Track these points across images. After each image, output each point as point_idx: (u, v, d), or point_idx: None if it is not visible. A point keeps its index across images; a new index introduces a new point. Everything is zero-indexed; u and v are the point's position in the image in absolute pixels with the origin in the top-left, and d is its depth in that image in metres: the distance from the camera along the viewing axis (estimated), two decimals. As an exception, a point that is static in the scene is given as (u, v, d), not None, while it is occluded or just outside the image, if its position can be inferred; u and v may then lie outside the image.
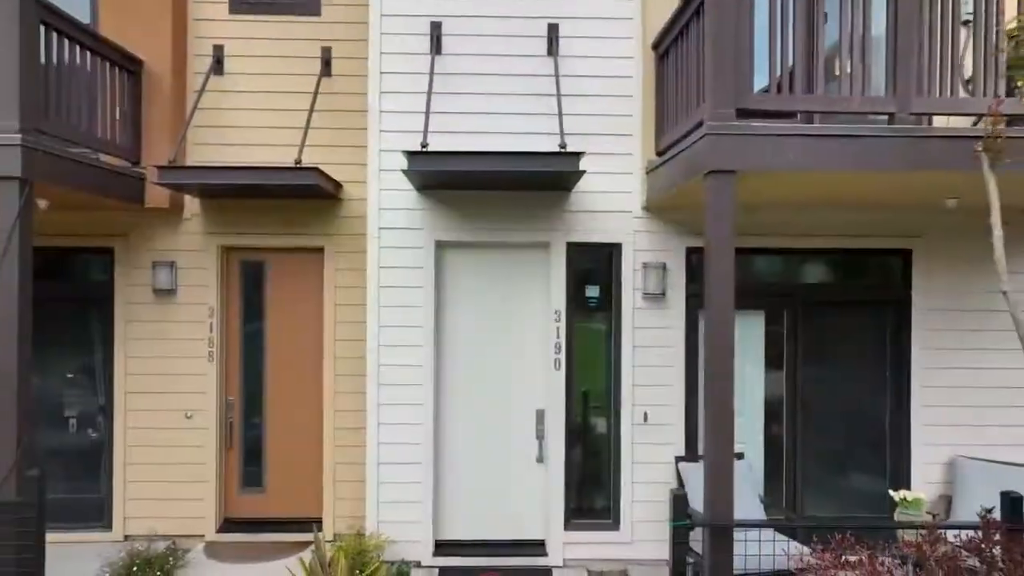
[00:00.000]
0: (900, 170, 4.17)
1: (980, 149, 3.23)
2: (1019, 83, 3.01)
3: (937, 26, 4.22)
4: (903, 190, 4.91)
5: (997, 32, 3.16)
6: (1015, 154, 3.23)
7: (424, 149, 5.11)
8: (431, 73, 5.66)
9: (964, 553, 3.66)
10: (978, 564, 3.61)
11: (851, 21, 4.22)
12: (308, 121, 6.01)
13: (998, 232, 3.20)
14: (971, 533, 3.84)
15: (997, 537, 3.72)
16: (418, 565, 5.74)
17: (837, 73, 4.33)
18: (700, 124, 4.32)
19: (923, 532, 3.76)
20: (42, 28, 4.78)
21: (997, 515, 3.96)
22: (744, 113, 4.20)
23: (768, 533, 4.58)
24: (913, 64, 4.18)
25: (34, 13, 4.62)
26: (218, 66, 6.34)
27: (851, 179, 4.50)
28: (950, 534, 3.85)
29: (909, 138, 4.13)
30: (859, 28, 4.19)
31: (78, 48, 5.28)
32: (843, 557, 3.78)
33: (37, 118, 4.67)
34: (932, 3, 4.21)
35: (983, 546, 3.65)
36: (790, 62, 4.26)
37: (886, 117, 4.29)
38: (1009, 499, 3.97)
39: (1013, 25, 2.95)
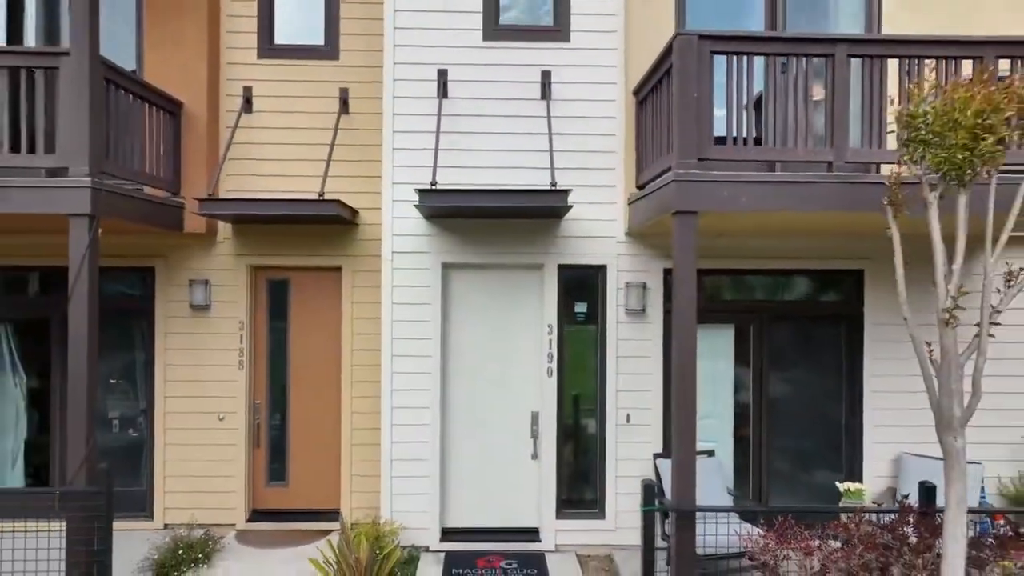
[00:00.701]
0: (836, 210, 4.93)
1: (886, 202, 3.98)
2: (906, 157, 3.74)
3: (867, 90, 5.00)
4: (848, 222, 5.66)
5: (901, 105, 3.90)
6: (914, 205, 3.97)
7: (433, 187, 5.87)
8: (439, 115, 6.41)
9: (881, 532, 4.44)
10: (892, 540, 4.37)
11: (796, 83, 5.00)
12: (329, 155, 6.77)
13: (900, 271, 3.96)
14: (893, 516, 4.63)
15: (911, 520, 4.50)
16: (427, 549, 6.50)
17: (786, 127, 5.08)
18: (669, 169, 5.09)
19: (851, 515, 4.54)
20: (104, 84, 5.54)
21: (915, 502, 4.74)
22: (705, 162, 4.96)
23: (732, 518, 5.35)
24: (847, 121, 4.94)
25: (100, 73, 5.39)
26: (247, 105, 7.10)
27: (799, 215, 5.26)
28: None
29: (844, 184, 4.89)
30: (802, 94, 4.96)
31: (131, 97, 6.04)
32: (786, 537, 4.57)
33: (101, 162, 5.43)
34: (863, 72, 4.98)
35: (897, 526, 4.43)
36: (745, 120, 5.03)
37: (826, 164, 5.04)
38: (924, 488, 4.72)
39: (914, 110, 3.64)
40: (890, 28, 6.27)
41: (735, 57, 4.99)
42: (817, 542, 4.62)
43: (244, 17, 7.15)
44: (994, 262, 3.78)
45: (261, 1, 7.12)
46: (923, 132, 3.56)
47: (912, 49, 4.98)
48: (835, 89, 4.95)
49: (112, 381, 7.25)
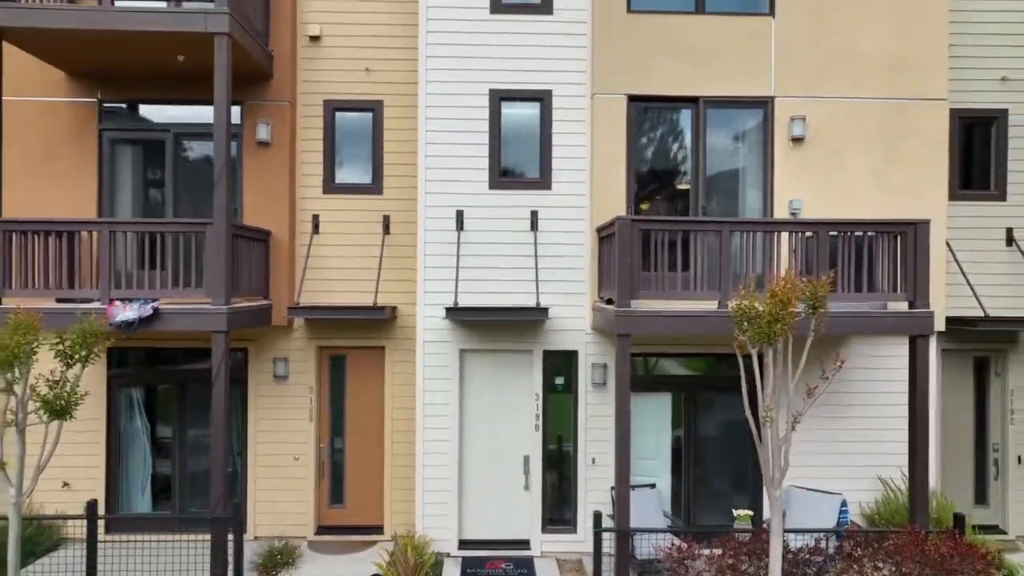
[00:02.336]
0: (725, 334, 7.45)
1: (736, 346, 6.53)
2: (737, 331, 6.27)
3: (750, 255, 7.55)
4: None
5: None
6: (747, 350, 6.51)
7: (456, 307, 8.46)
8: (458, 243, 9.00)
9: (743, 545, 6.99)
10: (750, 550, 6.92)
11: (697, 249, 7.56)
12: (380, 267, 9.37)
13: (745, 389, 6.51)
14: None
15: (764, 537, 7.05)
16: (448, 555, 9.06)
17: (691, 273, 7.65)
18: (612, 301, 7.65)
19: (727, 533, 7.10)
20: (232, 238, 8.11)
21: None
22: (637, 298, 7.52)
23: (664, 535, 7.89)
24: (730, 274, 7.49)
25: (231, 232, 7.97)
26: (316, 228, 9.68)
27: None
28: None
29: (725, 317, 7.43)
30: (703, 256, 7.53)
31: (245, 240, 8.61)
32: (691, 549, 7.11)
33: (231, 293, 8.00)
34: (741, 242, 7.54)
35: (755, 542, 6.98)
36: (663, 270, 7.58)
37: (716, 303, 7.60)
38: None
39: (751, 305, 6.17)
40: (780, 192, 8.87)
41: (656, 232, 7.56)
42: (708, 551, 7.18)
43: (313, 163, 9.74)
44: (795, 387, 6.34)
45: (326, 154, 9.72)
46: (745, 316, 6.13)
47: (773, 227, 7.57)
48: (721, 253, 7.51)
49: (213, 429, 9.79)
